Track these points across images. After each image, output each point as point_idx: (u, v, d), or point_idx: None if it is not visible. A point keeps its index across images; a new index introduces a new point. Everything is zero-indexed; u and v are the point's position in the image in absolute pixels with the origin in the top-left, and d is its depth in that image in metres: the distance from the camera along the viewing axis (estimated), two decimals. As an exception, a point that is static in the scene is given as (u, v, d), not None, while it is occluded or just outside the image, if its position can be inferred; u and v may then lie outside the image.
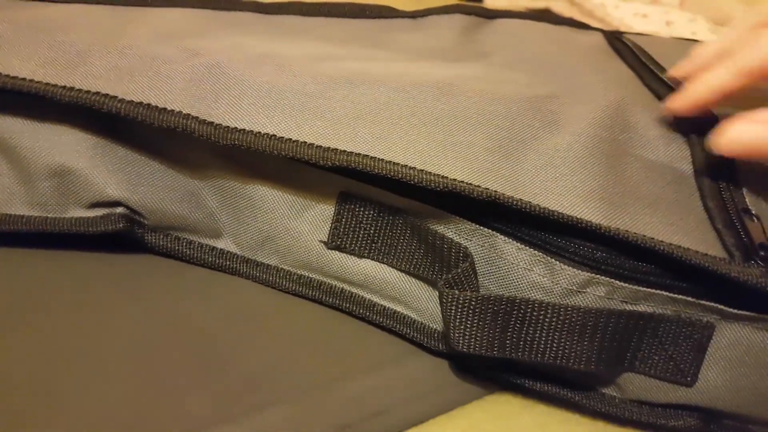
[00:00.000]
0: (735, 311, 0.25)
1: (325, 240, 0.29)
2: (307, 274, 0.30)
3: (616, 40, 0.44)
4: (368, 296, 0.30)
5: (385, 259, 0.28)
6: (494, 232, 0.26)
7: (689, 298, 0.25)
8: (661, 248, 0.24)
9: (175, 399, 0.25)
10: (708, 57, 0.32)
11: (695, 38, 0.55)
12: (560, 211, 0.25)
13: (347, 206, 0.28)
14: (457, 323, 0.25)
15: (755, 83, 0.29)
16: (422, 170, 0.26)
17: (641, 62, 0.40)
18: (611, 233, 0.25)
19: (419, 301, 0.29)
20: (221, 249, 0.31)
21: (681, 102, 0.30)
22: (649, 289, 0.25)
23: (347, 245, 0.28)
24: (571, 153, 0.28)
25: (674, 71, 0.35)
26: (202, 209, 0.30)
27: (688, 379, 0.26)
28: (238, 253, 0.31)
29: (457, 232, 0.27)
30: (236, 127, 0.26)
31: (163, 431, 0.24)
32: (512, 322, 0.25)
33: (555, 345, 0.25)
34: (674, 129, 0.32)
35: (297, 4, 0.40)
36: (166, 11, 0.37)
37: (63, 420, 0.24)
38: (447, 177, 0.25)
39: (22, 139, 0.28)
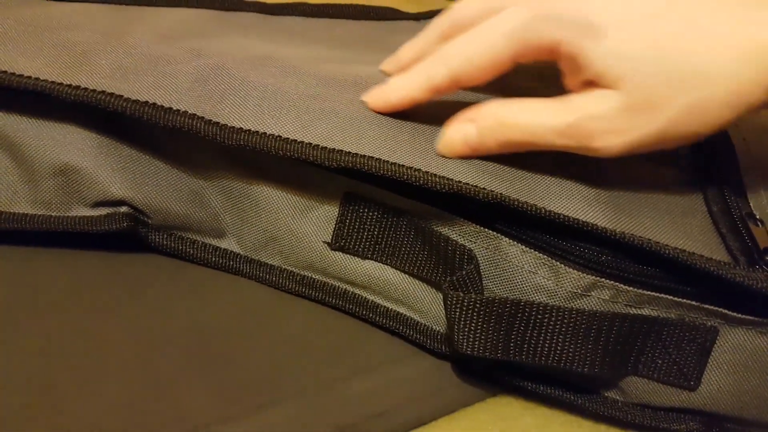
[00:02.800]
0: (739, 315, 0.25)
1: (329, 241, 0.29)
2: (310, 274, 0.30)
3: None
4: (371, 297, 0.30)
5: (389, 261, 0.28)
6: (499, 235, 0.26)
7: (693, 302, 0.25)
8: (666, 252, 0.24)
9: (177, 398, 0.25)
10: (408, 59, 0.31)
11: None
12: (565, 213, 0.25)
13: (351, 207, 0.28)
14: (462, 325, 0.25)
15: (445, 95, 0.28)
16: (427, 172, 0.26)
17: None
18: (616, 236, 0.25)
19: (422, 303, 0.29)
20: (224, 249, 0.31)
21: (376, 101, 0.29)
22: (653, 293, 0.25)
23: (351, 246, 0.28)
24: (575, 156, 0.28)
25: (384, 66, 0.32)
26: (206, 209, 0.30)
27: (692, 383, 0.26)
28: (242, 253, 0.31)
29: (461, 234, 0.27)
30: (242, 128, 0.26)
31: (164, 431, 0.24)
32: (516, 325, 0.25)
33: (559, 348, 0.25)
34: None
35: (301, 5, 0.40)
36: (170, 11, 0.37)
37: (63, 420, 0.24)
38: (452, 179, 0.25)
39: (27, 137, 0.28)
